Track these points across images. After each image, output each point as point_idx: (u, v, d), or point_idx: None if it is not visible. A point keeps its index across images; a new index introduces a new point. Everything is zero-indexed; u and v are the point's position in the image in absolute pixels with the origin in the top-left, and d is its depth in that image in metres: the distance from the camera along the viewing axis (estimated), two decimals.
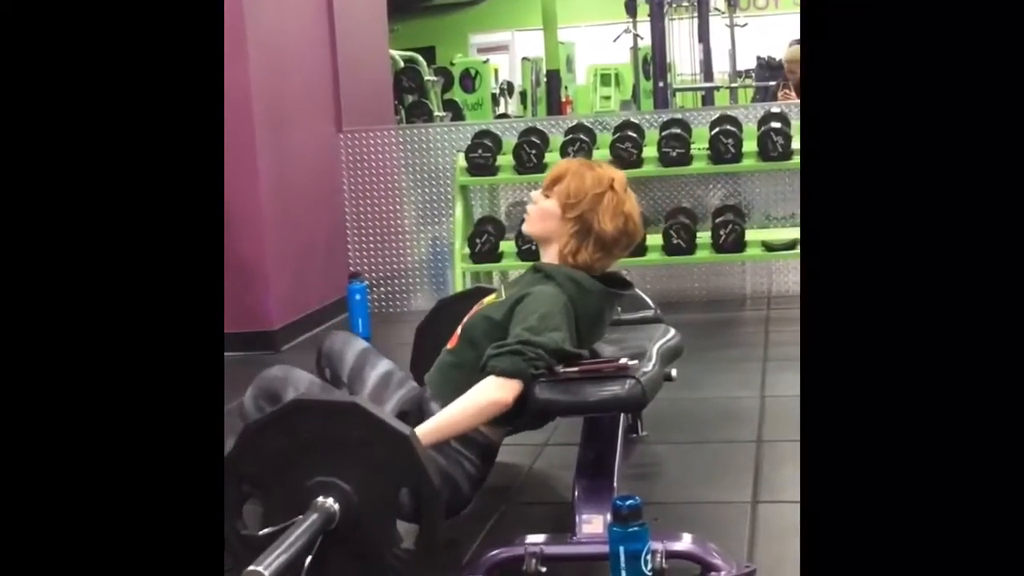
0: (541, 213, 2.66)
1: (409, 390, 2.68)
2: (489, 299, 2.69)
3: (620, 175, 2.68)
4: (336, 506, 2.14)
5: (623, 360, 2.44)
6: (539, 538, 2.40)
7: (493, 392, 2.37)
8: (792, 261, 5.48)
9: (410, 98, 8.38)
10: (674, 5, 10.04)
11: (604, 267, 2.66)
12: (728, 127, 5.35)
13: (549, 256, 2.65)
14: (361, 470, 2.15)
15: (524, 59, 13.60)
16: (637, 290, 2.93)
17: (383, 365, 2.79)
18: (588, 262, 2.61)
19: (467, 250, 5.45)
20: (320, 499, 2.14)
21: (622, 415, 2.64)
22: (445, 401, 2.46)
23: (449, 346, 2.65)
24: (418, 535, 2.19)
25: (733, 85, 10.46)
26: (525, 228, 2.73)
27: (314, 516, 2.12)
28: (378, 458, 2.15)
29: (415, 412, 2.52)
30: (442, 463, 2.39)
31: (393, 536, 2.18)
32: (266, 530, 2.15)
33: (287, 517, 2.13)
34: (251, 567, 1.95)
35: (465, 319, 2.66)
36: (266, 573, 1.95)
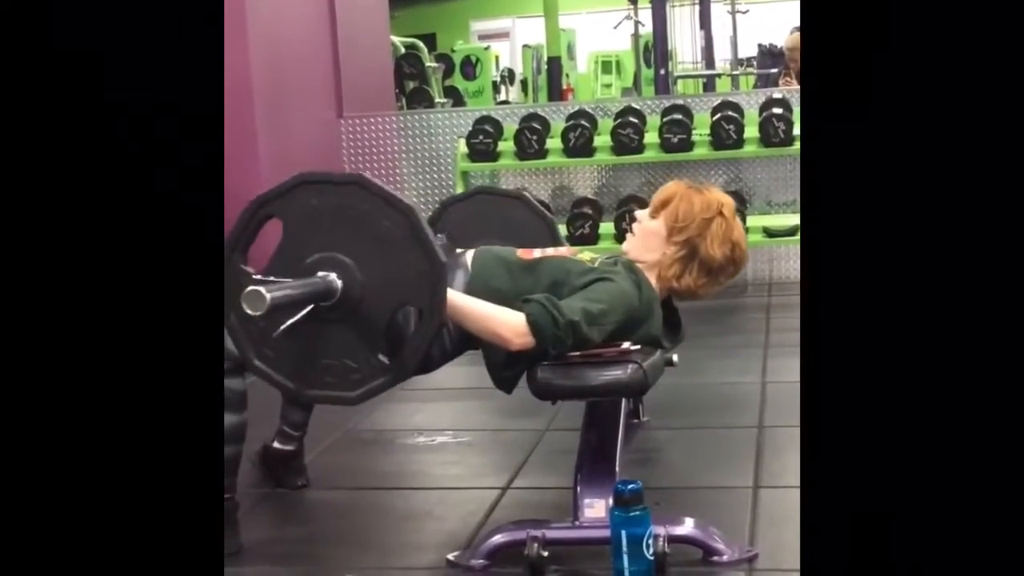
0: (645, 233, 2.61)
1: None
2: (583, 255, 2.65)
3: (729, 201, 2.64)
4: (339, 282, 2.12)
5: (625, 345, 2.44)
6: (541, 522, 2.41)
7: (510, 329, 2.34)
8: (793, 247, 5.49)
9: (411, 84, 8.37)
10: None
11: (708, 294, 2.63)
12: (730, 113, 5.34)
13: (648, 278, 2.60)
14: (367, 245, 2.11)
15: (525, 46, 13.56)
16: None
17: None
18: (692, 287, 2.58)
19: None
20: (322, 272, 2.13)
21: (623, 400, 2.64)
22: (478, 280, 2.51)
23: (523, 255, 2.62)
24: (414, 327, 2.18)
25: (735, 72, 10.41)
26: (626, 247, 2.67)
27: (316, 280, 2.09)
28: (385, 232, 2.11)
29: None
30: None
31: (381, 332, 2.15)
32: (263, 277, 2.13)
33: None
34: (253, 287, 1.95)
35: (551, 251, 2.66)
36: (268, 296, 1.94)
